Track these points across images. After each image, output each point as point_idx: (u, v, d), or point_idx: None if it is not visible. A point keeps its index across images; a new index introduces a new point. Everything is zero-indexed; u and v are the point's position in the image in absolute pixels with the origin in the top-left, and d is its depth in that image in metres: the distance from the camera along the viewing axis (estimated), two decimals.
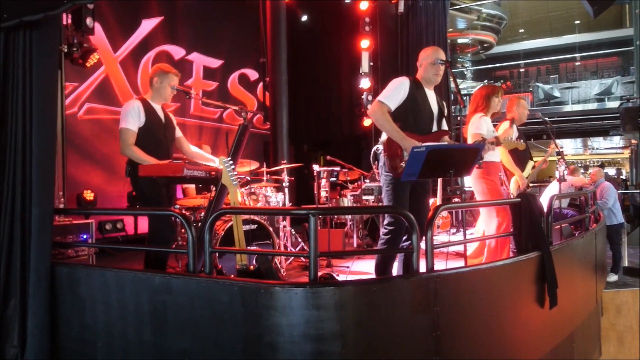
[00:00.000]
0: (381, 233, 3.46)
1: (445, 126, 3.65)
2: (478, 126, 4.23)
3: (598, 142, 19.62)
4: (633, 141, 11.75)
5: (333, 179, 6.32)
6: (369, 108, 3.45)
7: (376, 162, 3.59)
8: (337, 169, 6.41)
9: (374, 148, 3.62)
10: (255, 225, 4.49)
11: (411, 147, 3.11)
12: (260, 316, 2.35)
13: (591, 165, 18.53)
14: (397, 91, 3.43)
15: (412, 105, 3.44)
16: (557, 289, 3.23)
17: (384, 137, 3.44)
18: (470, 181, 4.43)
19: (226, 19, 9.17)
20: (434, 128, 3.56)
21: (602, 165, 12.64)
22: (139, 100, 3.67)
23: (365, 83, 9.04)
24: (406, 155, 3.28)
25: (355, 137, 9.79)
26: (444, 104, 3.71)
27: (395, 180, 3.35)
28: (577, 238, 4.26)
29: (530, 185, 5.08)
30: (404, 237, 3.37)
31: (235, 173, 3.31)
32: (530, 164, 5.02)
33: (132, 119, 3.55)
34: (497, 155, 4.36)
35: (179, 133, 4.00)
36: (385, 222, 3.43)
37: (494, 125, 4.60)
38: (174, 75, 3.78)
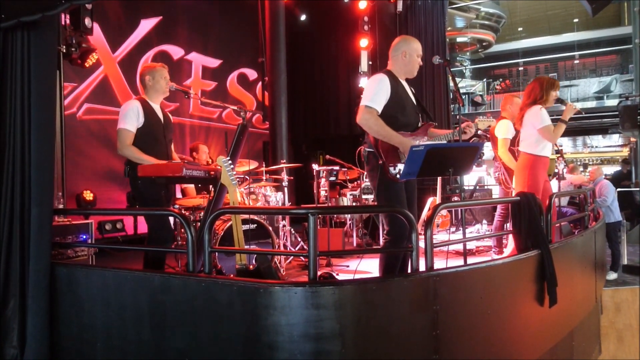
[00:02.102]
0: (381, 241, 3.38)
1: (424, 116, 3.49)
2: (542, 118, 4.11)
3: (597, 140, 19.63)
4: (632, 139, 11.74)
5: (332, 178, 6.32)
6: (357, 116, 3.23)
7: (367, 165, 3.39)
8: (337, 168, 6.41)
9: (360, 149, 3.48)
10: (255, 225, 4.49)
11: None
12: (259, 316, 2.35)
13: (590, 163, 18.53)
14: (380, 91, 3.22)
15: (397, 102, 3.26)
16: (557, 287, 3.23)
17: (370, 139, 3.26)
18: (516, 171, 4.39)
19: (225, 19, 9.17)
20: (419, 121, 3.44)
21: (627, 161, 11.89)
22: (138, 101, 3.67)
23: (364, 82, 9.03)
24: (402, 156, 3.18)
25: (354, 136, 9.77)
26: (413, 90, 3.53)
27: (390, 182, 3.21)
28: (576, 236, 4.26)
29: None
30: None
31: (235, 173, 3.31)
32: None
33: (131, 119, 3.55)
34: (548, 150, 4.25)
35: None
36: (385, 231, 3.29)
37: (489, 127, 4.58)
38: (162, 68, 3.78)
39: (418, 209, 3.81)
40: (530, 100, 4.30)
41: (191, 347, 2.51)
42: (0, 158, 2.88)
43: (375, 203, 3.61)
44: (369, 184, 6.16)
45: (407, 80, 3.49)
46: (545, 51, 21.73)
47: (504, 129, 4.87)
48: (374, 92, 3.23)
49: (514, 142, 4.76)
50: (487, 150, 8.99)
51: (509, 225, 4.67)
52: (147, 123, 3.61)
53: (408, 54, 3.37)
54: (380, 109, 3.21)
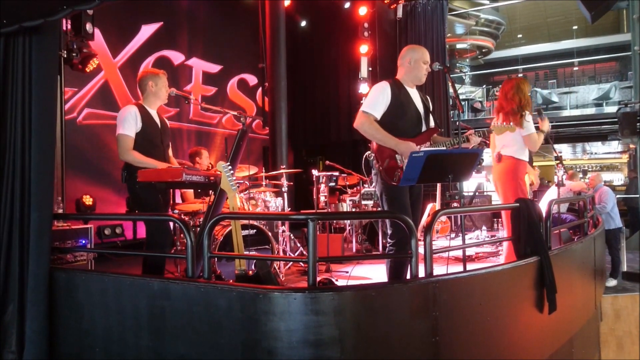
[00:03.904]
0: (388, 244, 3.40)
1: (432, 123, 3.57)
2: (530, 126, 4.13)
3: (596, 147, 19.66)
4: (631, 146, 11.76)
5: (332, 183, 6.33)
6: (355, 120, 3.39)
7: (371, 169, 3.53)
8: (336, 173, 6.41)
9: (366, 154, 3.58)
10: (254, 230, 4.49)
11: (408, 150, 3.12)
12: (258, 321, 2.35)
13: (589, 170, 18.56)
14: (380, 98, 3.35)
15: (398, 109, 3.37)
16: (556, 294, 3.23)
17: (374, 145, 3.40)
18: (495, 178, 4.36)
19: (225, 25, 9.21)
20: (423, 127, 3.50)
21: None
22: (136, 106, 3.68)
23: (364, 88, 9.07)
24: (400, 160, 3.27)
25: (354, 142, 9.80)
26: (428, 98, 3.63)
27: (392, 186, 3.29)
28: (576, 243, 4.26)
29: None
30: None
31: (234, 178, 3.31)
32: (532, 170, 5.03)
33: (129, 124, 3.55)
34: (526, 154, 4.26)
35: None
36: (389, 233, 3.34)
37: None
38: (163, 75, 3.82)
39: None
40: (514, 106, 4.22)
41: (190, 353, 2.50)
42: (1, 162, 2.89)
43: (376, 209, 3.64)
44: (368, 189, 6.18)
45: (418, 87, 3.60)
46: (544, 58, 21.78)
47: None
48: (374, 98, 3.38)
49: None
50: (487, 156, 9.02)
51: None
52: (144, 128, 3.62)
53: (413, 61, 3.49)
54: (377, 115, 3.35)
